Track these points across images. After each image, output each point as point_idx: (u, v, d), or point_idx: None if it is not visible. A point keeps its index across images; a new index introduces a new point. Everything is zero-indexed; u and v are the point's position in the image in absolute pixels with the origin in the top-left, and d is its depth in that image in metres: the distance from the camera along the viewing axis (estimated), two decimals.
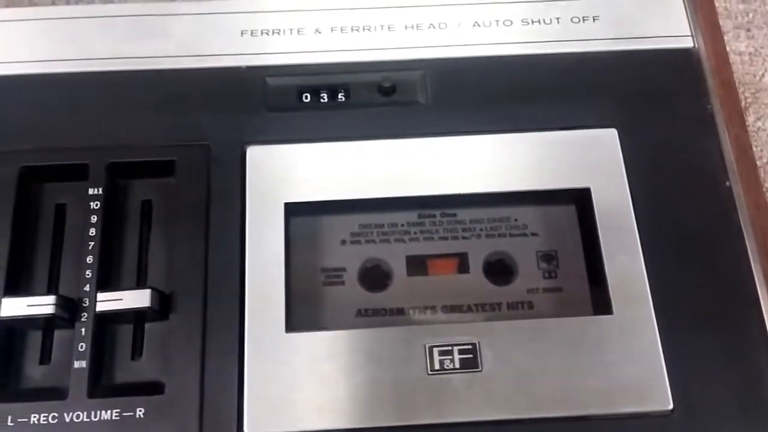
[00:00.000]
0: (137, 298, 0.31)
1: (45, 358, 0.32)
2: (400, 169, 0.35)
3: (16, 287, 0.33)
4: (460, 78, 0.37)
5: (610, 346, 0.31)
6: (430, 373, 0.31)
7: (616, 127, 0.36)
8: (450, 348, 0.31)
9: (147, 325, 0.33)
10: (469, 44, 0.38)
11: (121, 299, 0.31)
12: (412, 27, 0.38)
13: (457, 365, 0.31)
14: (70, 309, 0.32)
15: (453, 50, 0.37)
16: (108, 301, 0.31)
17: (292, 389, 0.31)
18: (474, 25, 0.38)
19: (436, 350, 0.31)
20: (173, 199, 0.35)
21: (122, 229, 0.34)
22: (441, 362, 0.31)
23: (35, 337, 0.32)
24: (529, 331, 0.32)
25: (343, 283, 0.35)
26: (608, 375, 0.31)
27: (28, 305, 0.31)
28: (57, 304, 0.31)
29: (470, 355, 0.31)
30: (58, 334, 0.33)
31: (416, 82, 0.37)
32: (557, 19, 0.38)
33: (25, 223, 0.34)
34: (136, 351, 0.32)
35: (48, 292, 0.33)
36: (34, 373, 0.32)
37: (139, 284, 0.33)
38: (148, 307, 0.31)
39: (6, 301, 0.31)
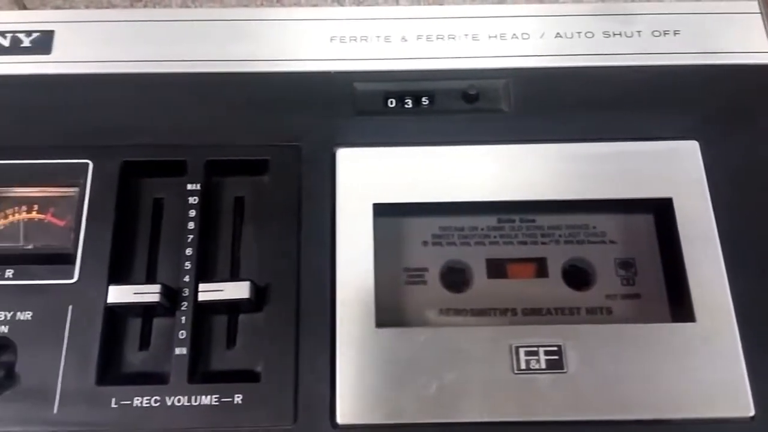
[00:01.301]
0: (237, 290, 0.33)
1: (144, 344, 0.34)
2: (481, 174, 0.37)
3: (118, 276, 0.34)
4: (542, 87, 0.38)
5: (692, 353, 0.32)
6: (516, 372, 0.32)
7: (697, 140, 0.36)
8: (536, 349, 0.32)
9: (240, 316, 0.35)
10: (551, 55, 0.39)
11: (222, 290, 0.33)
12: (496, 37, 0.39)
13: (543, 366, 0.32)
14: (171, 298, 0.33)
15: (536, 60, 0.39)
16: (209, 292, 0.33)
17: (382, 383, 0.32)
18: (556, 36, 0.39)
19: (522, 350, 0.32)
20: (265, 196, 0.36)
21: (217, 224, 0.36)
22: (527, 362, 0.32)
23: (134, 325, 0.34)
24: (611, 335, 0.33)
25: (425, 282, 0.36)
26: (690, 380, 0.32)
27: (134, 293, 0.32)
28: (161, 293, 0.32)
29: (556, 357, 0.32)
30: (156, 322, 0.35)
31: (500, 90, 0.38)
32: (638, 32, 0.39)
33: (125, 216, 0.36)
34: (230, 340, 0.34)
35: (147, 282, 0.34)
36: (133, 358, 0.34)
37: (233, 277, 0.35)
38: (247, 299, 0.33)
39: (113, 288, 0.33)
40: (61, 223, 0.36)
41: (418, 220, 0.37)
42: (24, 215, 0.36)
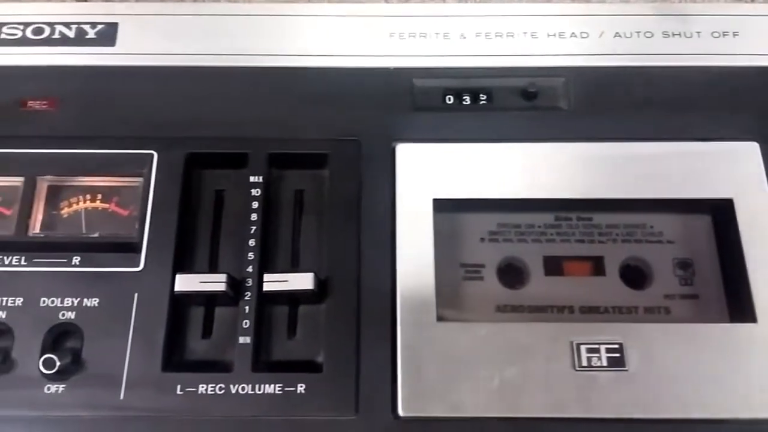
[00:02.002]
0: (301, 281, 0.33)
1: (206, 332, 0.34)
2: (539, 171, 0.37)
3: (182, 265, 0.35)
4: (601, 86, 0.38)
5: (753, 353, 0.32)
6: (577, 369, 0.32)
7: (757, 141, 0.36)
8: (597, 346, 0.32)
9: (299, 307, 0.35)
10: (610, 54, 0.39)
11: (286, 281, 0.33)
12: (555, 35, 0.39)
13: (605, 363, 0.32)
14: (235, 287, 0.34)
15: (595, 59, 0.39)
16: (274, 282, 0.33)
17: (444, 376, 0.32)
18: (615, 36, 0.39)
19: (583, 347, 0.32)
20: (325, 190, 0.37)
21: (277, 216, 0.36)
22: (588, 359, 0.32)
23: (196, 313, 0.35)
24: (671, 334, 0.33)
25: (482, 278, 0.37)
26: (751, 381, 0.32)
27: (201, 282, 0.33)
28: (226, 282, 0.33)
29: (617, 354, 0.32)
30: (217, 311, 0.35)
31: (559, 88, 0.38)
32: (698, 33, 0.39)
33: (188, 207, 0.36)
34: (291, 331, 0.34)
35: (210, 271, 0.35)
36: (196, 346, 0.34)
37: (294, 268, 0.35)
38: (311, 290, 0.33)
39: (180, 277, 0.33)
40: (125, 213, 0.37)
41: (476, 216, 0.37)
42: (88, 204, 0.37)
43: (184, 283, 0.33)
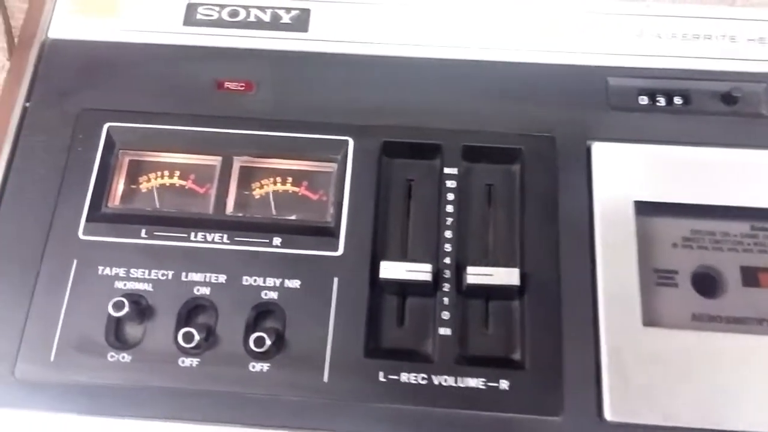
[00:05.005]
0: (507, 276, 0.33)
1: (400, 321, 0.34)
2: (737, 178, 0.36)
3: (379, 252, 0.35)
4: None
5: None
6: None
7: None
8: None
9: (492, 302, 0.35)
10: None
11: (491, 275, 0.33)
12: (755, 40, 0.38)
13: None
14: (435, 278, 0.34)
15: None
16: (478, 275, 0.33)
17: (653, 383, 0.31)
18: None
19: None
20: (515, 185, 0.36)
21: (469, 209, 0.36)
22: None
23: (389, 302, 0.35)
24: None
25: (675, 285, 0.36)
26: None
27: (407, 270, 0.33)
28: (432, 272, 0.33)
29: None
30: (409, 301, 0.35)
31: (761, 94, 0.37)
32: None
33: (383, 195, 0.36)
34: (486, 325, 0.34)
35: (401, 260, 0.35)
36: (392, 334, 0.34)
37: (485, 261, 0.35)
38: (515, 286, 0.33)
39: (386, 264, 0.33)
40: (314, 197, 0.37)
41: (670, 220, 0.36)
42: (279, 186, 0.38)
43: (390, 270, 0.33)
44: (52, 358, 0.32)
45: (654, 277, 0.36)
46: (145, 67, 0.38)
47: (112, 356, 0.33)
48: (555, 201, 0.35)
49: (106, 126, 0.37)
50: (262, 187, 0.38)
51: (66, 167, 0.36)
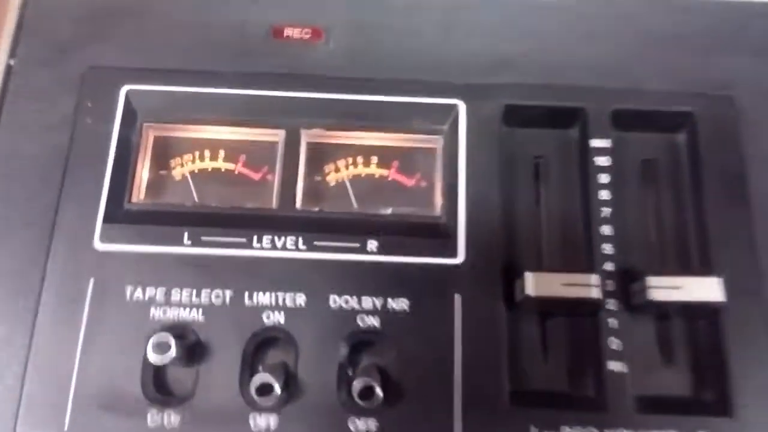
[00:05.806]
0: (704, 288, 0.23)
1: (544, 352, 0.26)
2: None
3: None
4: None
5: None
6: None
7: None
8: None
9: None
10: None
11: (680, 287, 0.24)
12: None
13: None
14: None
15: None
16: (661, 288, 0.23)
17: None
18: None
19: None
20: (684, 160, 0.27)
21: (622, 195, 0.27)
22: None
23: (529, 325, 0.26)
24: None
25: None
26: None
27: (563, 284, 0.23)
28: (601, 286, 0.24)
29: None
30: None
31: None
32: None
33: (504, 178, 0.27)
34: (671, 353, 0.25)
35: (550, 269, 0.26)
36: (538, 370, 0.25)
37: (662, 263, 0.26)
38: (721, 302, 0.24)
39: (532, 276, 0.23)
40: (409, 182, 0.28)
41: None
42: (360, 169, 0.28)
43: (540, 284, 0.23)
44: (66, 425, 0.23)
45: None
46: (175, 8, 0.28)
47: (153, 417, 0.23)
48: (743, 179, 0.26)
49: (124, 90, 0.27)
50: (338, 170, 0.28)
51: (70, 147, 0.26)
